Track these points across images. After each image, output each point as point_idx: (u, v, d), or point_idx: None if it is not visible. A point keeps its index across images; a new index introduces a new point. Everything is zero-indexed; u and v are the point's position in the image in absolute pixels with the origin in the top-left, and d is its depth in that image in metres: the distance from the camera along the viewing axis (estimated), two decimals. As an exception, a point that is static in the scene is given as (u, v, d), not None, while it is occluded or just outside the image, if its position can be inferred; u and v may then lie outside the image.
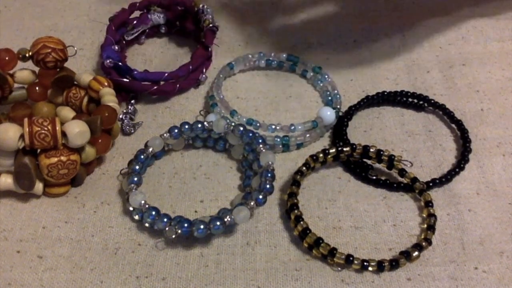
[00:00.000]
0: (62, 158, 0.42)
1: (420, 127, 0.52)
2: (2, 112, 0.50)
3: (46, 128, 0.41)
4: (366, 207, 0.46)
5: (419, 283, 0.40)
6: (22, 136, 0.41)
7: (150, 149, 0.46)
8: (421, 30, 0.63)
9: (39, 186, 0.44)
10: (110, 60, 0.52)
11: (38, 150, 0.42)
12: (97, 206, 0.45)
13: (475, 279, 0.41)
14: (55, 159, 0.42)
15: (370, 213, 0.45)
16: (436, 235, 0.43)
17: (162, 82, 0.54)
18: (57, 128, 0.41)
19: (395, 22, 0.63)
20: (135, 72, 0.53)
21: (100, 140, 0.46)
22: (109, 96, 0.47)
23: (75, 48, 0.50)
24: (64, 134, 0.42)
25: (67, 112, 0.50)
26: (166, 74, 0.53)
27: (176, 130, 0.47)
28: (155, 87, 0.52)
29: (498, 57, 0.60)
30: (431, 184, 0.46)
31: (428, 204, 0.45)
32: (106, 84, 0.48)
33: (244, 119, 0.50)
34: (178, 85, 0.54)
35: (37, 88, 0.50)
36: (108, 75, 0.52)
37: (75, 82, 0.50)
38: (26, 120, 0.41)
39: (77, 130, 0.42)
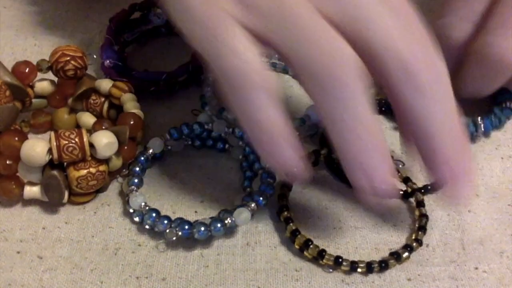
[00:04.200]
0: (92, 170, 0.42)
1: (420, 128, 0.52)
2: (23, 120, 0.50)
3: (73, 141, 0.41)
4: (366, 207, 0.46)
5: (419, 283, 0.40)
6: (49, 150, 0.41)
7: (150, 151, 0.46)
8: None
9: (65, 193, 0.44)
10: (110, 60, 0.52)
11: (65, 163, 0.42)
12: (97, 207, 0.45)
13: (475, 279, 0.41)
14: (84, 171, 0.42)
15: (370, 213, 0.45)
16: (436, 235, 0.44)
17: (161, 82, 0.54)
18: (85, 140, 0.41)
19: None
20: (134, 72, 0.53)
21: (126, 147, 0.45)
22: (131, 103, 0.47)
23: (94, 56, 0.49)
24: (91, 145, 0.41)
25: (87, 118, 0.50)
26: (166, 74, 0.53)
27: (176, 132, 0.47)
28: (155, 87, 0.52)
29: (498, 58, 0.60)
30: (422, 190, 0.46)
31: (420, 204, 0.45)
32: (126, 89, 0.48)
33: (232, 117, 0.50)
34: (177, 85, 0.54)
35: (57, 96, 0.50)
36: (108, 75, 0.52)
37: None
38: (52, 134, 0.41)
39: (106, 142, 0.41)
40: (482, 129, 0.49)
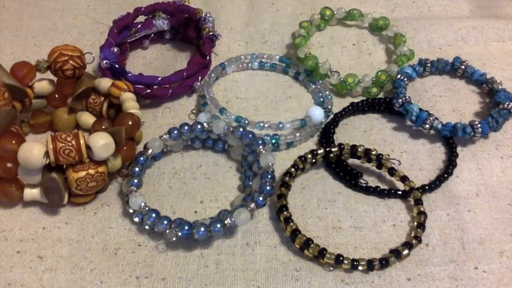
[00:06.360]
0: (90, 171, 0.42)
1: (419, 129, 0.52)
2: (23, 120, 0.50)
3: (70, 143, 0.41)
4: (366, 208, 0.46)
5: (419, 283, 0.40)
6: (46, 153, 0.40)
7: (150, 151, 0.46)
8: (420, 31, 0.63)
9: (64, 195, 0.44)
10: (107, 61, 0.52)
11: (64, 165, 0.42)
12: (97, 208, 0.45)
13: (475, 279, 0.41)
14: (83, 173, 0.42)
15: (370, 214, 0.45)
16: (436, 235, 0.44)
17: (155, 86, 0.53)
18: (81, 142, 0.41)
19: (394, 23, 0.63)
20: (129, 75, 0.52)
21: (125, 148, 0.45)
22: (130, 102, 0.47)
23: (93, 55, 0.49)
24: (88, 147, 0.41)
25: (87, 118, 0.50)
26: (160, 79, 0.53)
27: (175, 132, 0.47)
28: (148, 91, 0.52)
29: (498, 57, 0.60)
30: (421, 190, 0.46)
31: (418, 202, 0.45)
32: (125, 88, 0.48)
33: (233, 117, 0.50)
34: (170, 91, 0.53)
35: (56, 95, 0.50)
36: (104, 76, 0.52)
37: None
38: (49, 136, 0.41)
39: (102, 143, 0.41)
40: (480, 131, 0.49)
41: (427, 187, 0.46)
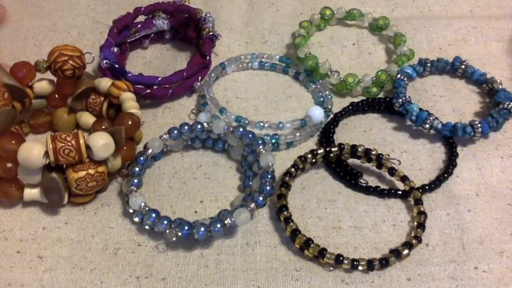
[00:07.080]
0: (90, 171, 0.42)
1: (419, 129, 0.52)
2: (23, 120, 0.50)
3: (70, 143, 0.41)
4: (366, 208, 0.46)
5: (419, 283, 0.40)
6: (46, 153, 0.41)
7: (150, 151, 0.46)
8: (420, 31, 0.63)
9: (64, 195, 0.44)
10: (107, 61, 0.52)
11: (64, 165, 0.42)
12: (97, 208, 0.45)
13: (475, 279, 0.41)
14: (83, 173, 0.42)
15: (370, 214, 0.45)
16: (436, 235, 0.44)
17: (155, 87, 0.53)
18: (81, 142, 0.41)
19: (394, 23, 0.63)
20: (129, 75, 0.52)
21: (125, 148, 0.45)
22: (130, 102, 0.47)
23: (93, 55, 0.49)
24: (88, 147, 0.41)
25: (87, 117, 0.50)
26: (159, 79, 0.53)
27: (175, 131, 0.47)
28: (147, 91, 0.52)
29: (498, 57, 0.60)
30: (421, 190, 0.46)
31: (418, 202, 0.45)
32: (125, 87, 0.48)
33: (233, 117, 0.50)
34: (170, 91, 0.53)
35: (56, 95, 0.50)
36: (104, 76, 0.52)
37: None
38: (49, 136, 0.41)
39: (102, 143, 0.41)
40: (480, 131, 0.49)
41: (427, 187, 0.46)
